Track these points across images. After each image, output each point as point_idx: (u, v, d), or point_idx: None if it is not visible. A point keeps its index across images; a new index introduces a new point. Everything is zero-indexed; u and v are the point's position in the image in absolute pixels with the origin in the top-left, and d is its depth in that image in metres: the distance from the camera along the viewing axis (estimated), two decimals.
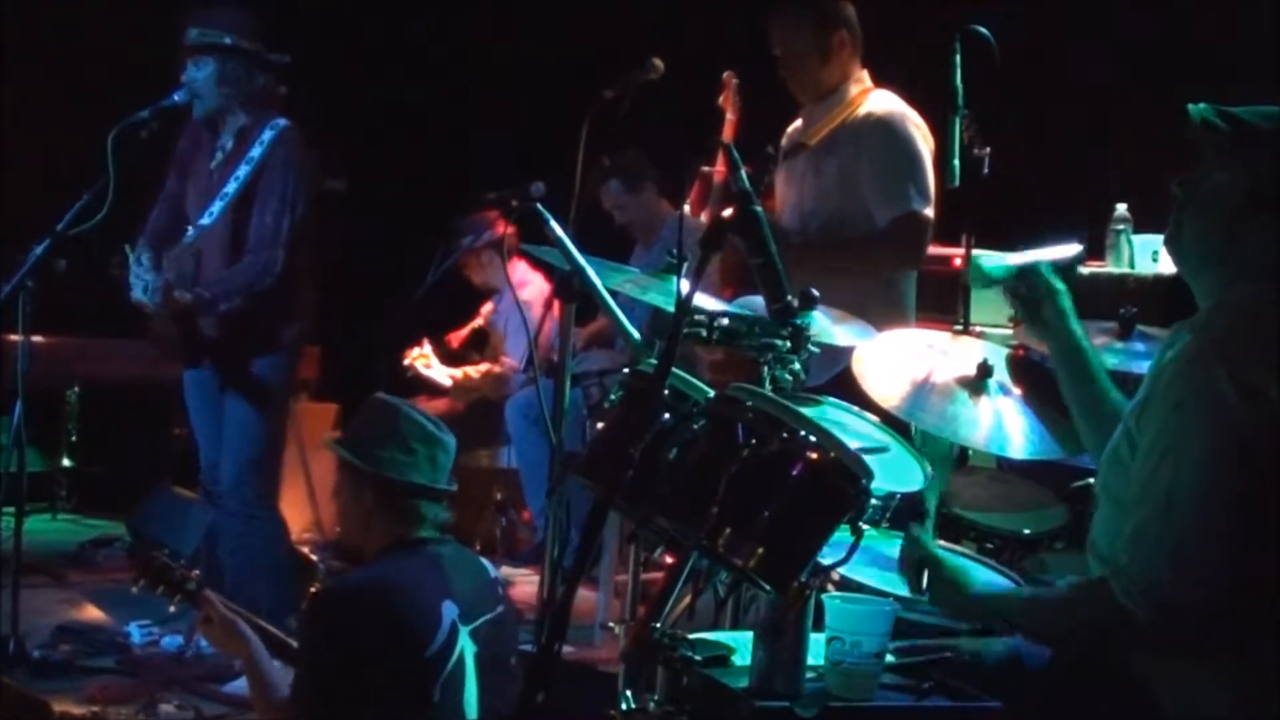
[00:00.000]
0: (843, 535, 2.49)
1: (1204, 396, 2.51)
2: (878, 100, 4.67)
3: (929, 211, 4.54)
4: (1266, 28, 5.28)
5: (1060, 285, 3.19)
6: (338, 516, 3.64)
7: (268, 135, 4.88)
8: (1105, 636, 2.60)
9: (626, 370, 2.86)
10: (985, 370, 3.45)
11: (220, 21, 4.86)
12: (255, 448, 5.04)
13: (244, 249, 4.89)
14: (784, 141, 4.89)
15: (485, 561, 3.49)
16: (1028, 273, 3.22)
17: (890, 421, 3.37)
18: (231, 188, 4.87)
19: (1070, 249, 3.39)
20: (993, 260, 3.31)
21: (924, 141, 4.58)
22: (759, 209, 2.71)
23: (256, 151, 4.87)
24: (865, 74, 4.73)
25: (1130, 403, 2.78)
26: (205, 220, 4.90)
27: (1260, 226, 2.64)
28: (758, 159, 3.56)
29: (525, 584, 5.80)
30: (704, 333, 3.14)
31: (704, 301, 3.39)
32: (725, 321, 3.10)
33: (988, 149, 4.27)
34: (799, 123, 4.86)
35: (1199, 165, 2.71)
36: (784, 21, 4.70)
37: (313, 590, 4.19)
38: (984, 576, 2.88)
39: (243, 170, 4.87)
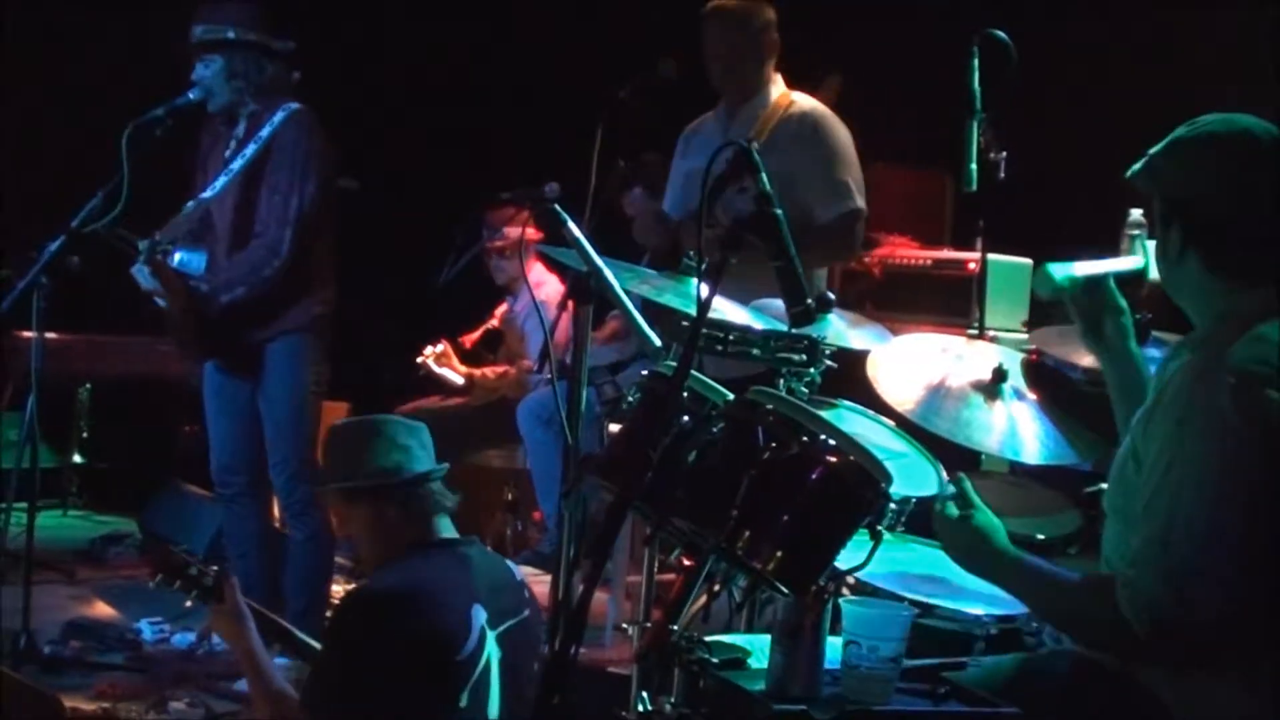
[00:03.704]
0: (860, 539, 2.49)
1: (1206, 417, 2.50)
2: (805, 101, 4.96)
3: (865, 204, 4.86)
4: (1271, 29, 5.28)
5: (1124, 303, 3.16)
6: (357, 546, 3.60)
7: (278, 116, 4.87)
8: (1104, 635, 2.60)
9: (645, 372, 2.85)
10: (1000, 375, 3.45)
11: (222, 16, 4.85)
12: (301, 447, 4.99)
13: (253, 231, 4.88)
14: (690, 136, 5.15)
15: (510, 564, 3.48)
16: (1094, 285, 3.16)
17: (906, 425, 3.38)
18: (238, 164, 4.86)
19: (1132, 260, 3.36)
20: (1061, 269, 3.22)
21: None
22: (779, 211, 2.70)
23: (265, 131, 4.85)
24: (779, 77, 5.00)
25: (1136, 414, 2.77)
26: (207, 194, 4.89)
27: (1173, 243, 2.66)
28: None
29: (537, 584, 5.79)
30: (720, 346, 3.15)
31: (723, 306, 3.39)
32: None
33: (1004, 153, 4.27)
34: (710, 122, 5.09)
35: None
36: (727, 20, 4.91)
37: (345, 592, 4.18)
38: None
39: (250, 148, 4.85)
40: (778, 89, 4.98)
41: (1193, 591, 2.45)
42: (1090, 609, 2.60)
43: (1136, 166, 2.72)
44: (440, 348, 7.16)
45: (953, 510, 2.75)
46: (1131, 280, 3.26)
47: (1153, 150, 2.71)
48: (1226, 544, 2.46)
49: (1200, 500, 2.47)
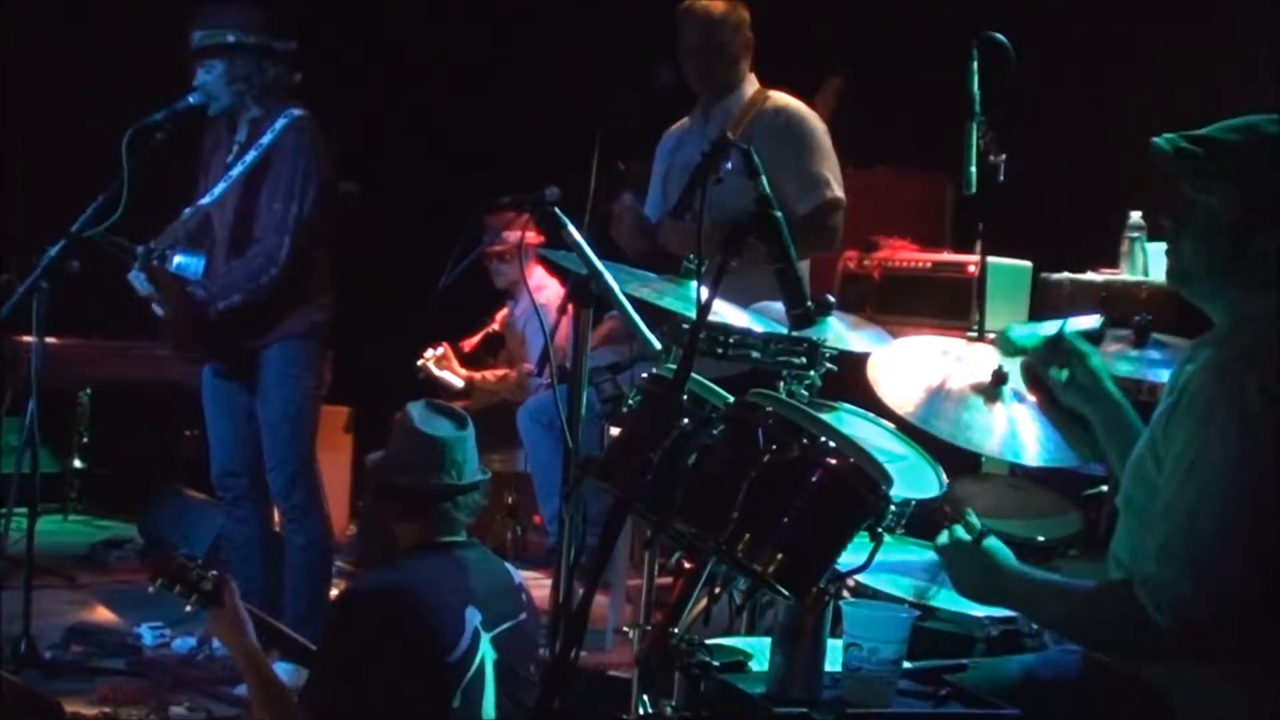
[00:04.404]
0: (861, 541, 2.49)
1: (1231, 408, 2.50)
2: (780, 97, 5.03)
3: (843, 195, 4.90)
4: (1270, 30, 5.29)
5: (1089, 347, 3.12)
6: (368, 514, 3.62)
7: (280, 123, 4.86)
8: (1127, 639, 2.58)
9: (645, 375, 2.86)
10: (1000, 377, 3.45)
11: (222, 20, 4.84)
12: (298, 452, 5.00)
13: (251, 238, 4.87)
14: (669, 141, 5.20)
15: (510, 567, 3.47)
16: (1056, 341, 3.15)
17: (905, 428, 3.37)
18: (237, 170, 4.85)
19: (1092, 319, 3.37)
20: (1022, 330, 3.28)
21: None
22: (779, 214, 2.70)
23: (267, 138, 4.84)
24: (753, 75, 5.09)
25: (1154, 413, 2.76)
26: (205, 199, 4.89)
27: (1265, 239, 2.62)
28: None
29: (537, 588, 5.79)
30: (719, 349, 3.15)
31: (722, 309, 3.39)
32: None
33: (1003, 156, 4.27)
34: (686, 124, 5.16)
35: (1181, 194, 2.70)
36: (701, 19, 4.99)
37: (338, 592, 4.17)
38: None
39: (250, 155, 4.85)
40: (752, 86, 5.06)
41: (1218, 583, 2.44)
42: (1112, 613, 2.57)
43: (1188, 144, 2.66)
44: (440, 351, 7.16)
45: (962, 533, 2.74)
46: (1093, 336, 3.26)
47: (1214, 133, 2.65)
48: (1252, 537, 2.45)
49: (1223, 493, 2.47)
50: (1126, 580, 2.57)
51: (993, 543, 2.71)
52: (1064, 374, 3.15)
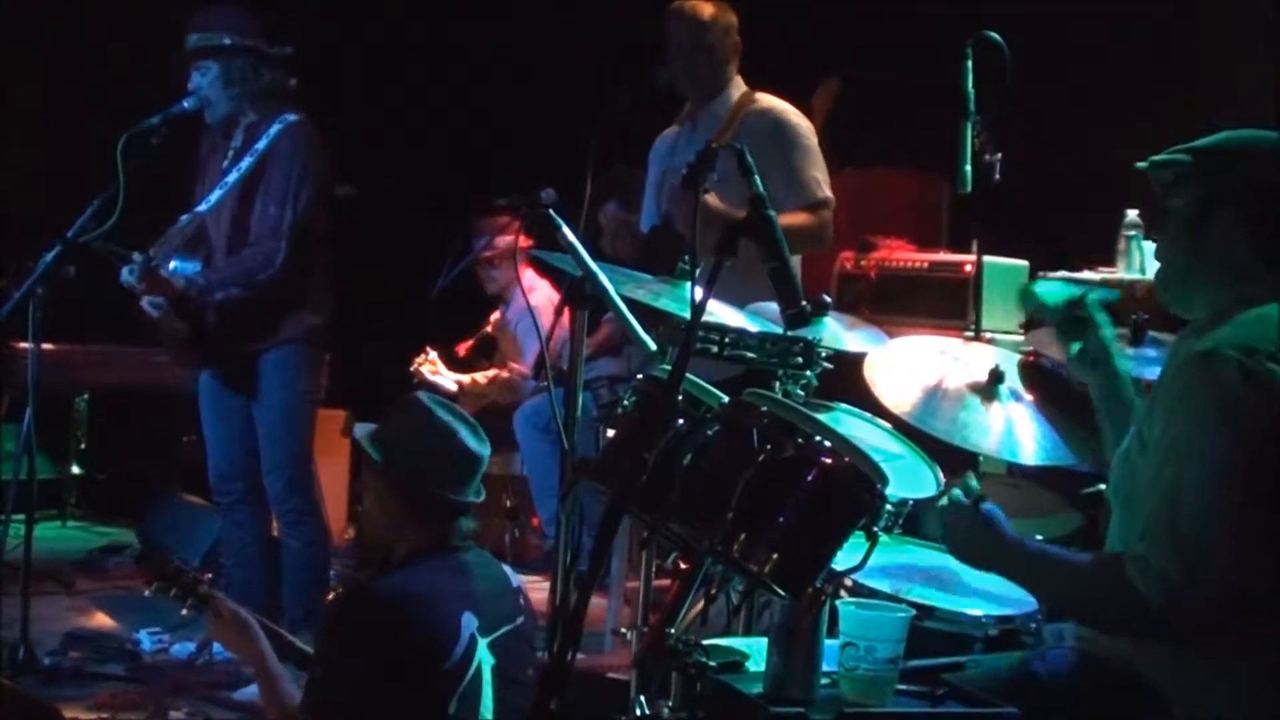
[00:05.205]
0: (857, 541, 2.49)
1: (1211, 387, 2.52)
2: (766, 99, 5.00)
3: (831, 195, 4.89)
4: (1270, 30, 5.29)
5: (1104, 319, 3.19)
6: (364, 513, 3.60)
7: (275, 129, 4.87)
8: (1120, 614, 2.58)
9: (640, 376, 2.85)
10: (996, 376, 3.45)
11: (218, 24, 4.85)
12: (296, 457, 5.01)
13: (247, 243, 4.87)
14: (662, 146, 5.18)
15: (509, 570, 3.46)
16: (1075, 305, 3.21)
17: (903, 427, 3.38)
18: (233, 176, 4.85)
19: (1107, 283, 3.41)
20: (1047, 288, 3.29)
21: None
22: (772, 213, 2.70)
23: (262, 144, 4.86)
24: (739, 77, 5.08)
25: (1142, 406, 2.78)
26: (203, 207, 4.89)
27: (1219, 223, 2.66)
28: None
29: (535, 590, 5.78)
30: (715, 349, 3.15)
31: (719, 310, 3.39)
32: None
33: (999, 155, 4.27)
34: (675, 130, 5.14)
35: (1164, 208, 2.76)
36: (688, 21, 4.97)
37: (334, 595, 4.15)
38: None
39: (246, 161, 4.85)
40: (739, 89, 5.04)
41: (1202, 560, 2.45)
42: (1102, 586, 2.59)
43: (1167, 158, 2.73)
44: (432, 354, 7.16)
45: (959, 496, 2.74)
46: (1110, 306, 3.29)
47: (1185, 150, 2.73)
48: (1232, 514, 2.46)
49: (1205, 470, 2.48)
50: (1118, 555, 2.57)
51: (991, 508, 2.72)
52: (1076, 346, 3.18)
